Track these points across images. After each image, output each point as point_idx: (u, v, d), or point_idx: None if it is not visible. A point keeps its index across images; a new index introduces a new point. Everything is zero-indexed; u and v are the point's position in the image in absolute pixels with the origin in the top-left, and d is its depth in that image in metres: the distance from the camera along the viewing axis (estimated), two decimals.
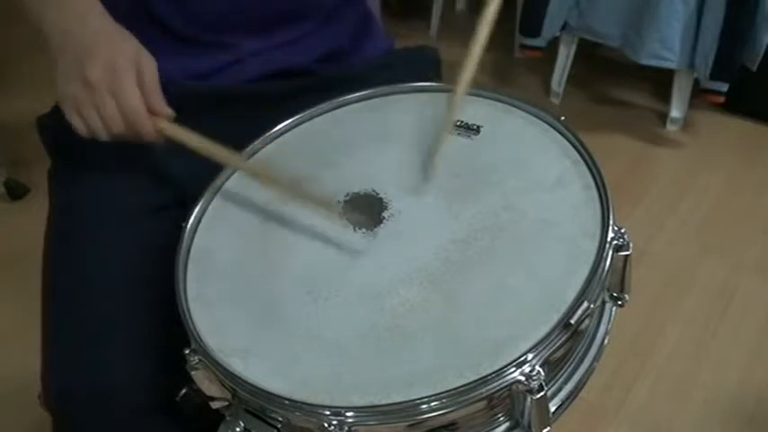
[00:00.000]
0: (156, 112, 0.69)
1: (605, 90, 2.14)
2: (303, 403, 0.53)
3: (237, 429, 0.58)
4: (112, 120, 0.68)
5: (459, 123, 0.75)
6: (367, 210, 0.68)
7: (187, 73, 0.82)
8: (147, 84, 0.68)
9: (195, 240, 0.69)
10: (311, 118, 0.81)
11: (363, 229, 0.67)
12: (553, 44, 2.00)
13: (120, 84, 0.67)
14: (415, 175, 0.71)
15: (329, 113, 0.81)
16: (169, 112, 0.71)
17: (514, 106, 0.77)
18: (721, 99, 1.76)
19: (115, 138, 0.70)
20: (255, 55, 0.83)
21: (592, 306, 0.57)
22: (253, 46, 0.83)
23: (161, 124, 0.70)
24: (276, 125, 0.79)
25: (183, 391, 0.65)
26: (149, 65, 0.70)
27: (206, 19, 0.81)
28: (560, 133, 0.73)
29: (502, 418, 0.57)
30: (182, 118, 0.77)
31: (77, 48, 0.68)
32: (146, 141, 0.70)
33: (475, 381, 0.52)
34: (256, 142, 0.77)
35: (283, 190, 0.71)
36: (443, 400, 0.52)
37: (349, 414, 0.52)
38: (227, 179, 0.75)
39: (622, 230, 0.62)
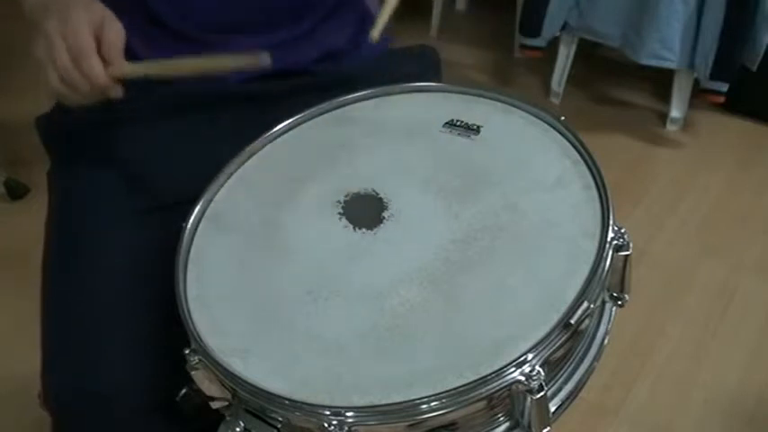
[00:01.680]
0: (113, 62, 0.68)
1: (605, 90, 2.14)
2: (303, 403, 0.54)
3: (237, 429, 0.58)
4: (62, 60, 0.66)
5: (459, 123, 0.76)
6: (367, 210, 0.68)
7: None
8: (105, 38, 0.67)
9: (195, 240, 0.69)
10: (311, 118, 0.81)
11: (363, 229, 0.67)
12: (553, 44, 2.00)
13: (69, 28, 0.66)
14: (416, 175, 0.71)
15: (329, 113, 0.81)
16: (125, 63, 0.69)
17: (514, 106, 0.77)
18: (721, 99, 1.76)
19: (72, 89, 0.68)
20: None
21: (592, 306, 0.57)
22: (252, 46, 0.83)
23: (114, 71, 0.68)
24: (276, 125, 0.79)
25: (183, 391, 0.65)
26: (113, 24, 0.69)
27: (205, 19, 0.81)
28: (560, 133, 0.73)
29: (502, 418, 0.57)
30: (182, 118, 0.77)
31: (46, 11, 0.68)
32: (99, 88, 0.68)
33: (475, 381, 0.52)
34: (256, 142, 0.77)
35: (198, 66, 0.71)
36: (443, 400, 0.52)
37: (349, 414, 0.52)
38: (228, 179, 0.75)
39: (622, 230, 0.62)
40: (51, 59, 0.66)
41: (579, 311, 0.56)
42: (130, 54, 0.71)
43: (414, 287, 0.61)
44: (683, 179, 1.83)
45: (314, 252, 0.66)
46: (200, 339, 0.59)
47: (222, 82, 0.84)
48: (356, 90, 0.81)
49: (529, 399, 0.54)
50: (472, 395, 0.53)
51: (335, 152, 0.76)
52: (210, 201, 0.72)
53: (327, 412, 0.53)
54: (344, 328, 0.59)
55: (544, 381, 0.53)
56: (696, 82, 1.84)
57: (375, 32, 0.70)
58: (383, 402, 0.53)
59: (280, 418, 0.56)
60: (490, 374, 0.53)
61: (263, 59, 0.68)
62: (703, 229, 1.69)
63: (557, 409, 0.59)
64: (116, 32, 0.68)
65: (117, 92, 0.70)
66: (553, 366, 0.58)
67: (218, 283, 0.65)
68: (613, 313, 0.66)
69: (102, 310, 0.73)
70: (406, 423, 0.53)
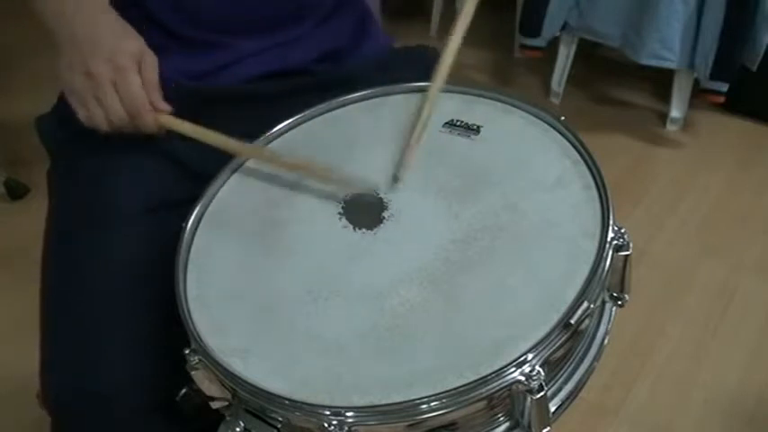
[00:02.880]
0: (156, 107, 0.71)
1: (605, 90, 2.14)
2: (303, 403, 0.53)
3: (237, 429, 0.58)
4: (114, 110, 0.69)
5: (459, 123, 0.76)
6: (367, 210, 0.68)
7: (185, 73, 0.82)
8: (147, 79, 0.70)
9: (195, 240, 0.69)
10: (311, 118, 0.81)
11: (363, 229, 0.67)
12: (553, 44, 2.00)
13: (122, 75, 0.68)
14: (416, 175, 0.71)
15: (329, 113, 0.81)
16: (168, 107, 0.72)
17: (514, 106, 0.77)
18: (721, 99, 1.76)
19: (116, 129, 0.71)
20: (254, 55, 0.83)
21: (592, 306, 0.57)
22: (251, 46, 0.83)
23: (161, 117, 0.72)
24: (276, 125, 0.79)
25: (183, 391, 0.65)
26: (151, 61, 0.71)
27: (204, 19, 0.81)
28: (560, 133, 0.73)
29: (502, 418, 0.57)
30: (181, 116, 0.77)
31: (82, 41, 0.70)
32: (145, 133, 0.72)
33: (475, 381, 0.52)
34: (256, 142, 0.77)
35: (290, 167, 0.72)
36: (443, 400, 0.52)
37: (349, 414, 0.52)
38: (228, 179, 0.75)
39: (622, 230, 0.62)
40: (101, 103, 0.69)
41: (579, 311, 0.56)
42: None
43: (414, 287, 0.61)
44: (683, 179, 1.83)
45: (314, 252, 0.66)
46: (200, 339, 0.59)
47: (220, 83, 0.84)
48: (356, 90, 0.81)
49: (529, 399, 0.54)
50: (472, 395, 0.53)
51: (335, 152, 0.76)
52: (210, 201, 0.72)
53: (327, 412, 0.53)
54: (344, 328, 0.59)
55: (544, 381, 0.53)
56: (696, 82, 1.84)
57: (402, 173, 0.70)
58: (383, 402, 0.53)
59: (280, 418, 0.56)
60: (490, 374, 0.53)
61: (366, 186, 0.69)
62: (703, 229, 1.69)
63: (557, 409, 0.59)
64: (154, 70, 0.71)
65: (162, 133, 0.73)
66: (553, 366, 0.58)
67: (218, 283, 0.65)
68: (613, 313, 0.66)
69: (102, 309, 0.73)
70: (406, 423, 0.53)
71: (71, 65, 0.69)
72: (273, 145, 0.78)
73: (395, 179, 0.70)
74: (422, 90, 0.81)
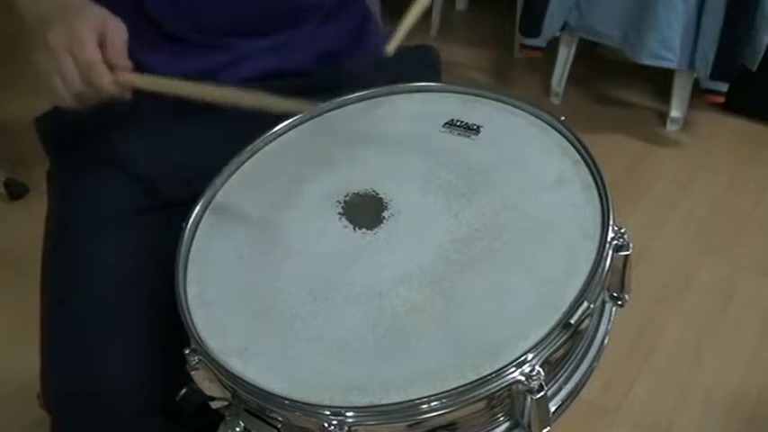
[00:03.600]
0: (117, 66, 0.68)
1: (605, 90, 2.14)
2: (303, 403, 0.54)
3: (237, 429, 0.58)
4: (69, 75, 0.67)
5: (459, 123, 0.76)
6: (367, 210, 0.68)
7: (184, 74, 0.81)
8: (109, 41, 0.68)
9: (195, 240, 0.69)
10: (311, 118, 0.81)
11: (363, 229, 0.67)
12: (553, 44, 2.00)
13: (75, 39, 0.66)
14: (416, 175, 0.71)
15: (329, 113, 0.81)
16: (128, 63, 0.70)
17: (514, 106, 0.77)
18: (721, 99, 1.76)
19: (80, 101, 0.69)
20: (253, 56, 0.83)
21: (592, 306, 0.57)
22: (250, 47, 0.83)
23: (120, 77, 0.69)
24: (276, 125, 0.78)
25: (183, 391, 0.65)
26: (114, 26, 0.69)
27: (203, 20, 0.81)
28: (560, 133, 0.73)
29: (502, 418, 0.57)
30: (181, 118, 0.77)
31: (43, 15, 0.68)
32: (107, 96, 0.69)
33: (475, 381, 0.52)
34: (256, 142, 0.77)
35: (250, 103, 0.69)
36: (443, 400, 0.52)
37: (349, 414, 0.52)
38: (228, 179, 0.75)
39: (622, 230, 0.62)
40: (58, 73, 0.67)
41: (579, 311, 0.56)
42: (130, 57, 0.71)
43: (414, 287, 0.61)
44: (683, 179, 1.83)
45: (314, 252, 0.66)
46: (200, 339, 0.59)
47: (219, 83, 0.84)
48: (356, 90, 0.81)
49: (529, 399, 0.54)
50: (472, 395, 0.53)
51: (335, 152, 0.76)
52: (210, 201, 0.72)
53: (327, 412, 0.53)
54: (344, 327, 0.59)
55: (544, 381, 0.53)
56: (696, 82, 1.84)
57: (390, 47, 0.70)
58: (383, 402, 0.53)
59: (280, 418, 0.56)
60: (490, 374, 0.53)
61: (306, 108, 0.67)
62: (703, 229, 1.69)
63: (557, 409, 0.59)
64: (118, 34, 0.69)
65: (125, 95, 0.70)
66: (553, 366, 0.58)
67: (218, 283, 0.65)
68: (613, 313, 0.66)
69: (102, 310, 0.73)
70: (406, 423, 0.53)
71: (35, 43, 0.68)
72: (273, 145, 0.78)
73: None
74: (422, 90, 0.81)
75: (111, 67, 0.68)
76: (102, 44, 0.68)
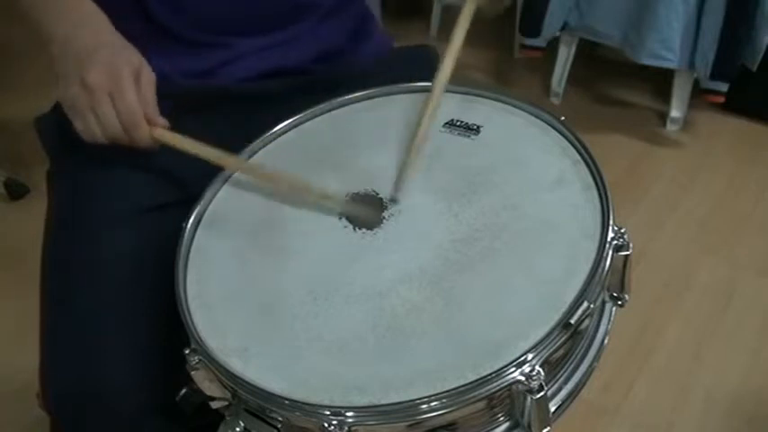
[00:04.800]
0: (151, 122, 0.70)
1: (605, 90, 2.14)
2: (303, 403, 0.54)
3: (237, 429, 0.58)
4: (109, 122, 0.68)
5: (459, 123, 0.76)
6: (367, 210, 0.68)
7: (184, 72, 0.82)
8: (144, 93, 0.69)
9: (195, 240, 0.69)
10: (311, 118, 0.81)
11: (363, 229, 0.67)
12: (553, 44, 2.00)
13: (118, 86, 0.67)
14: (416, 175, 0.71)
15: (329, 113, 0.81)
16: (164, 122, 0.71)
17: (514, 106, 0.77)
18: (721, 99, 1.76)
19: (112, 141, 0.70)
20: (253, 54, 0.83)
21: (592, 306, 0.57)
22: (250, 45, 0.83)
23: (156, 132, 0.70)
24: (276, 125, 0.79)
25: (183, 391, 0.65)
26: (148, 75, 0.70)
27: (204, 19, 0.81)
28: (560, 133, 0.73)
29: (502, 418, 0.57)
30: (181, 118, 0.77)
31: (79, 52, 0.68)
32: (141, 147, 0.70)
33: (475, 381, 0.52)
34: (256, 142, 0.77)
35: (286, 187, 0.71)
36: (443, 400, 0.52)
37: (349, 414, 0.52)
38: (228, 179, 0.75)
39: (622, 230, 0.62)
40: (95, 115, 0.68)
41: (579, 311, 0.56)
42: None
43: (414, 287, 0.61)
44: (683, 179, 1.83)
45: (314, 252, 0.66)
46: (200, 339, 0.59)
47: (219, 82, 0.84)
48: (356, 90, 0.81)
49: (529, 399, 0.54)
50: (472, 395, 0.53)
51: (336, 152, 0.76)
52: (210, 201, 0.72)
53: (327, 412, 0.53)
54: (344, 327, 0.59)
55: (544, 381, 0.53)
56: (696, 82, 1.84)
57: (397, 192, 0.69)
58: (383, 402, 0.53)
59: (280, 418, 0.56)
60: (490, 374, 0.53)
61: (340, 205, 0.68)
62: (703, 229, 1.69)
63: (557, 409, 0.59)
64: (151, 84, 0.70)
65: (155, 149, 0.72)
66: (553, 366, 0.58)
67: (218, 283, 0.65)
68: (613, 313, 0.66)
69: (102, 310, 0.73)
70: (406, 423, 0.53)
71: (67, 76, 0.68)
72: (273, 145, 0.78)
73: (393, 200, 0.69)
74: (422, 90, 0.81)
75: (147, 121, 0.69)
76: (136, 90, 0.68)
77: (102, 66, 0.67)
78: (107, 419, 0.70)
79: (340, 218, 0.68)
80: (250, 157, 0.77)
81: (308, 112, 0.80)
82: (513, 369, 0.53)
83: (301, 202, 0.70)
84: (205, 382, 0.60)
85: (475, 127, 0.75)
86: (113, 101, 0.67)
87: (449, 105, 0.78)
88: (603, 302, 0.65)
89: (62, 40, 0.70)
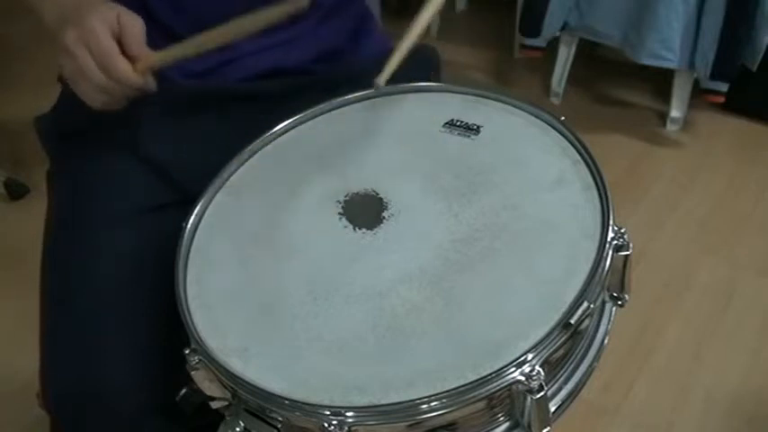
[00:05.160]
0: (137, 57, 0.68)
1: (605, 90, 2.14)
2: (303, 403, 0.54)
3: (237, 429, 0.58)
4: (92, 72, 0.67)
5: (459, 123, 0.76)
6: (367, 210, 0.68)
7: (185, 72, 0.82)
8: (125, 33, 0.68)
9: (195, 240, 0.69)
10: (311, 118, 0.80)
11: (363, 229, 0.67)
12: (553, 44, 2.00)
13: (89, 36, 0.66)
14: (416, 175, 0.71)
15: (329, 113, 0.81)
16: (148, 51, 0.69)
17: (514, 106, 0.77)
18: (721, 99, 1.76)
19: (108, 99, 0.69)
20: (253, 54, 0.83)
21: (592, 306, 0.57)
22: (250, 45, 0.83)
23: (140, 65, 0.69)
24: (275, 125, 0.78)
25: (183, 391, 0.65)
26: (129, 18, 0.69)
27: (203, 19, 0.80)
28: (560, 133, 0.73)
29: (502, 418, 0.57)
30: (181, 118, 0.77)
31: (64, 22, 0.68)
32: (132, 87, 0.69)
33: (475, 381, 0.52)
34: (256, 142, 0.77)
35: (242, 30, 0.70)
36: (443, 400, 0.52)
37: (349, 414, 0.52)
38: (228, 179, 0.75)
39: (622, 230, 0.62)
40: (78, 69, 0.67)
41: (579, 311, 0.56)
42: None
43: (414, 287, 0.61)
44: (683, 179, 1.83)
45: (314, 252, 0.66)
46: (200, 339, 0.59)
47: (218, 82, 0.84)
48: (356, 90, 0.81)
49: (529, 399, 0.54)
50: (472, 395, 0.53)
51: (336, 152, 0.76)
52: (210, 201, 0.72)
53: (327, 412, 0.53)
54: (344, 327, 0.59)
55: (544, 381, 0.53)
56: (696, 82, 1.84)
57: (382, 79, 0.70)
58: (383, 402, 0.53)
59: (280, 418, 0.56)
60: (490, 374, 0.53)
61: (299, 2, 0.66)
62: (703, 229, 1.69)
63: (557, 409, 0.59)
64: (134, 25, 0.69)
65: (151, 85, 0.70)
66: (553, 366, 0.58)
67: (218, 283, 0.65)
68: (613, 313, 0.66)
69: (102, 310, 0.73)
70: (406, 423, 0.53)
71: (58, 49, 0.68)
72: (273, 145, 0.78)
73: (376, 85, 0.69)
74: (422, 90, 0.81)
75: (133, 59, 0.68)
76: (118, 37, 0.68)
77: (74, 23, 0.67)
78: (107, 419, 0.70)
79: (340, 218, 0.68)
80: (251, 156, 0.77)
81: (308, 112, 0.80)
82: (513, 369, 0.53)
83: (301, 202, 0.70)
84: (205, 382, 0.60)
85: (475, 127, 0.75)
86: (89, 49, 0.66)
87: (449, 105, 0.78)
88: (603, 302, 0.65)
89: (53, 15, 0.70)
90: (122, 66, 0.67)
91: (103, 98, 0.69)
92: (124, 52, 0.68)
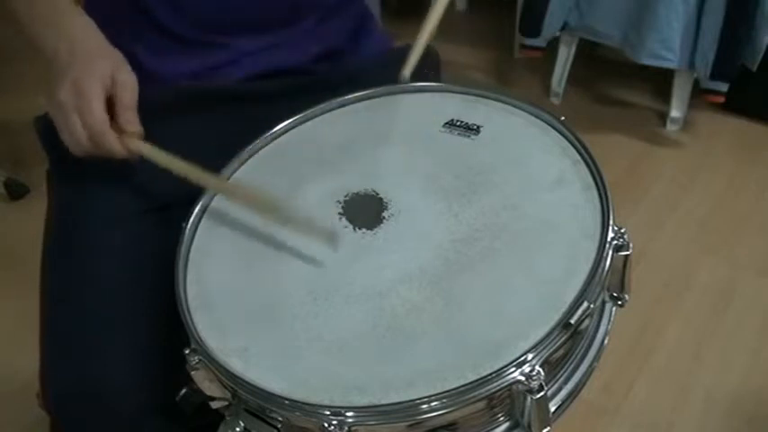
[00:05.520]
0: (123, 129, 0.70)
1: (605, 90, 2.14)
2: (303, 403, 0.53)
3: (237, 429, 0.58)
4: (80, 137, 0.68)
5: (459, 123, 0.76)
6: (367, 210, 0.68)
7: (184, 72, 0.82)
8: (120, 101, 0.69)
9: (195, 240, 0.69)
10: (311, 118, 0.80)
11: (363, 229, 0.67)
12: (553, 44, 2.00)
13: (83, 102, 0.67)
14: (416, 175, 0.71)
15: (329, 113, 0.81)
16: (139, 130, 0.70)
17: (514, 106, 0.77)
18: (721, 99, 1.76)
19: (92, 154, 0.70)
20: (252, 54, 0.83)
21: (592, 306, 0.57)
22: (249, 45, 0.83)
23: (131, 144, 0.70)
24: (275, 125, 0.78)
25: (183, 391, 0.65)
26: (127, 82, 0.70)
27: (203, 19, 0.81)
28: (560, 133, 0.73)
29: (502, 418, 0.57)
30: (181, 118, 0.77)
31: (57, 70, 0.69)
32: (118, 158, 0.70)
33: (475, 381, 0.52)
34: (256, 142, 0.77)
35: (265, 212, 0.69)
36: (443, 400, 0.52)
37: (349, 414, 0.52)
38: (228, 179, 0.74)
39: (622, 230, 0.62)
40: (67, 129, 0.69)
41: (579, 311, 0.56)
42: (131, 60, 0.71)
43: (414, 287, 0.61)
44: (683, 179, 1.83)
45: (314, 252, 0.66)
46: (201, 339, 0.59)
47: (218, 82, 0.84)
48: (356, 90, 0.81)
49: (529, 399, 0.54)
50: (472, 395, 0.53)
51: (335, 152, 0.76)
52: (211, 200, 0.72)
53: (327, 412, 0.53)
54: (345, 327, 0.59)
55: (544, 381, 0.53)
56: (696, 82, 1.84)
57: (407, 71, 0.70)
58: (383, 402, 0.53)
59: (280, 418, 0.56)
60: (490, 374, 0.53)
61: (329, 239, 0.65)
62: (703, 229, 1.69)
63: (557, 409, 0.59)
64: (128, 88, 0.70)
65: (134, 159, 0.71)
66: (553, 366, 0.58)
67: (218, 283, 0.65)
68: (613, 313, 0.66)
69: (102, 310, 0.73)
70: (406, 423, 0.53)
71: (49, 93, 0.69)
72: (273, 144, 0.78)
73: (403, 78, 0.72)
74: (423, 90, 0.81)
75: (121, 131, 0.69)
76: (110, 96, 0.68)
77: (70, 83, 0.67)
78: (107, 419, 0.70)
79: (340, 218, 0.68)
80: (251, 156, 0.76)
81: (308, 112, 0.80)
82: (513, 369, 0.53)
83: (301, 202, 0.70)
84: (205, 382, 0.60)
85: (475, 127, 0.75)
86: (81, 116, 0.68)
87: (449, 105, 0.78)
88: (603, 302, 0.65)
89: (50, 56, 0.70)
90: (110, 141, 0.69)
91: (84, 153, 0.70)
92: (113, 116, 0.69)
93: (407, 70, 0.72)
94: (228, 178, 0.74)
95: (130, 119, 0.70)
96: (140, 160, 0.71)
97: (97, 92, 0.68)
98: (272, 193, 0.70)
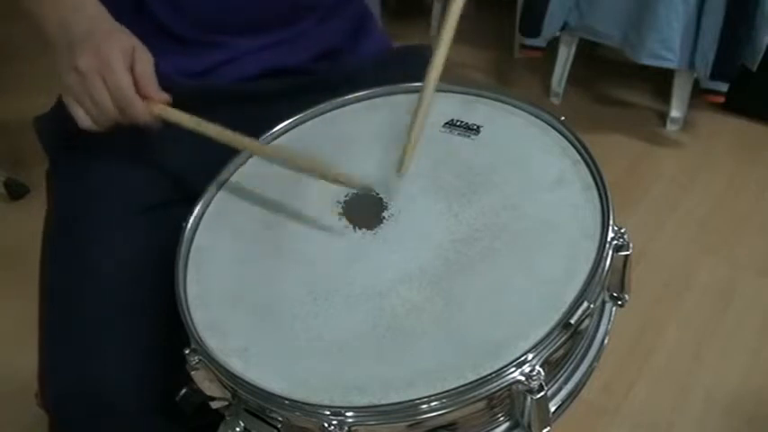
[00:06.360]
0: (151, 97, 0.69)
1: (605, 90, 2.14)
2: (303, 403, 0.54)
3: (237, 429, 0.58)
4: (104, 104, 0.68)
5: (459, 123, 0.76)
6: (367, 210, 0.68)
7: (184, 72, 0.82)
8: (139, 70, 0.69)
9: (195, 240, 0.69)
10: (311, 118, 0.81)
11: (363, 229, 0.67)
12: (553, 44, 2.00)
13: (108, 66, 0.67)
14: (416, 175, 0.71)
15: (328, 113, 0.81)
16: (164, 96, 0.70)
17: (514, 106, 0.77)
18: (721, 99, 1.76)
19: (111, 124, 0.70)
20: (252, 53, 0.83)
21: (592, 306, 0.57)
22: (249, 45, 0.83)
23: (155, 108, 0.70)
24: (275, 125, 0.79)
25: (183, 391, 0.65)
26: (143, 54, 0.70)
27: (203, 19, 0.81)
28: (560, 133, 0.73)
29: (502, 418, 0.57)
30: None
31: (72, 41, 0.69)
32: (142, 125, 0.70)
33: (475, 381, 0.52)
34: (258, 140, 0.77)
35: (299, 164, 0.70)
36: (443, 400, 0.52)
37: (349, 414, 0.52)
38: (228, 179, 0.75)
39: (622, 230, 0.62)
40: (90, 97, 0.68)
41: (579, 311, 0.56)
42: None
43: (414, 287, 0.61)
44: (683, 179, 1.83)
45: (314, 252, 0.66)
46: (200, 339, 0.59)
47: (218, 81, 0.84)
48: (356, 90, 0.81)
49: (529, 399, 0.54)
50: (472, 395, 0.53)
51: (335, 152, 0.76)
52: (210, 200, 0.72)
53: (327, 412, 0.53)
54: (345, 328, 0.59)
55: (544, 381, 0.53)
56: (696, 82, 1.84)
57: (404, 168, 0.69)
58: (383, 402, 0.53)
59: (280, 418, 0.56)
60: (490, 374, 0.53)
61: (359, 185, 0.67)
62: (703, 229, 1.69)
63: (557, 409, 0.59)
64: (147, 62, 0.69)
65: (156, 125, 0.71)
66: (553, 366, 0.58)
67: (218, 282, 0.65)
68: (613, 313, 0.66)
69: (102, 310, 0.73)
70: (406, 423, 0.53)
71: (63, 64, 0.69)
72: (274, 144, 0.78)
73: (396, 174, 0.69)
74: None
75: (144, 97, 0.69)
76: (131, 71, 0.68)
77: (91, 50, 0.67)
78: (107, 419, 0.70)
79: (340, 218, 0.68)
80: (251, 156, 0.76)
81: (308, 112, 0.80)
82: (513, 369, 0.53)
83: (301, 202, 0.70)
84: (205, 382, 0.60)
85: (475, 127, 0.75)
86: (105, 81, 0.67)
87: (449, 105, 0.78)
88: (603, 302, 0.65)
89: (57, 30, 0.70)
90: (139, 106, 0.68)
91: (96, 122, 0.70)
92: (137, 88, 0.69)
93: (404, 167, 0.70)
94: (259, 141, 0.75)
95: (152, 85, 0.69)
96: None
97: (120, 59, 0.67)
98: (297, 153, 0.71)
